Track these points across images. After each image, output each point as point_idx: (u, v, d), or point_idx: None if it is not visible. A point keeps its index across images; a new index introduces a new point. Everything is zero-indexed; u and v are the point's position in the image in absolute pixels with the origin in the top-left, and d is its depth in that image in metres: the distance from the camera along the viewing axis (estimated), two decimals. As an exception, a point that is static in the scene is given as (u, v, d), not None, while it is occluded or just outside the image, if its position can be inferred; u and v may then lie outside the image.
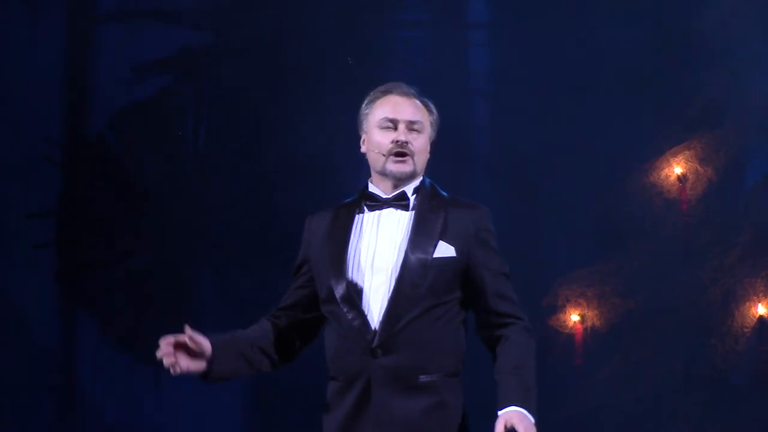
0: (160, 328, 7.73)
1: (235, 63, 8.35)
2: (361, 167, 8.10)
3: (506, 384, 4.60)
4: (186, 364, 4.53)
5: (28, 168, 8.20)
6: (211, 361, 4.53)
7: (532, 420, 4.53)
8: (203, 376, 4.57)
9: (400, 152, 4.72)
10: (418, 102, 4.78)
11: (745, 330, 7.90)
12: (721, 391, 7.86)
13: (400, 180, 4.78)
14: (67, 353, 8.44)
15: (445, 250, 4.72)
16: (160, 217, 8.35)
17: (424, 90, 5.53)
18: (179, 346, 4.53)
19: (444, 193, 4.83)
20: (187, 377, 7.36)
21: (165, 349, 4.49)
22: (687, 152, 8.13)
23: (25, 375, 8.38)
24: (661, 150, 8.10)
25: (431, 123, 4.81)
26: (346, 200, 4.89)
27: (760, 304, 7.92)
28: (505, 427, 4.54)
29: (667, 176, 8.18)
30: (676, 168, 8.17)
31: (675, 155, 8.14)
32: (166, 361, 4.49)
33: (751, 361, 7.92)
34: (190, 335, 4.54)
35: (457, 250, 4.70)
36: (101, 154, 8.35)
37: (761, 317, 7.96)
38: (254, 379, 7.18)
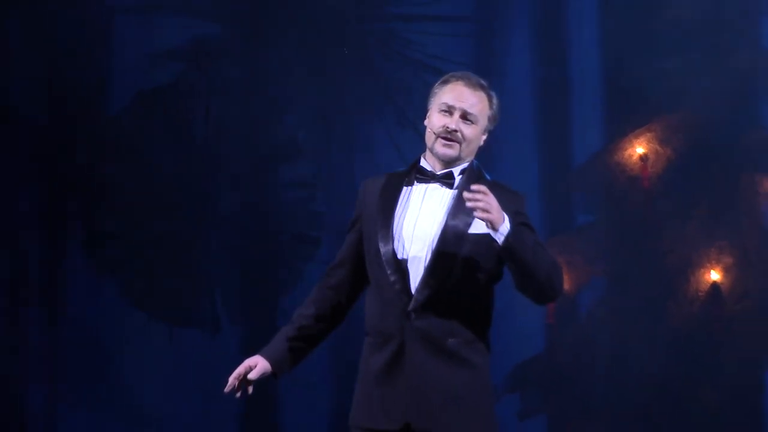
0: (172, 289, 8.33)
1: (239, 51, 8.60)
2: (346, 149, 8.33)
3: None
4: (250, 389, 5.06)
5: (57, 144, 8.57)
6: (274, 373, 5.03)
7: (508, 225, 4.87)
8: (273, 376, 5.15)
9: (448, 137, 5.05)
10: (482, 94, 5.08)
11: (700, 294, 8.34)
12: (676, 351, 8.27)
13: (445, 161, 5.18)
14: (91, 314, 8.61)
15: (481, 226, 4.96)
16: (172, 192, 8.54)
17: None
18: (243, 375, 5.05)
19: (488, 177, 5.10)
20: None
21: (231, 383, 5.02)
22: (648, 134, 8.47)
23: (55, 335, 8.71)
24: (624, 132, 8.46)
25: (489, 117, 5.09)
26: (399, 170, 5.19)
27: (713, 271, 8.35)
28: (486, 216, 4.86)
29: (630, 156, 8.48)
30: (639, 148, 8.48)
31: (637, 137, 8.48)
32: (230, 389, 5.03)
33: (706, 322, 8.34)
34: (251, 378, 5.01)
35: None
36: (119, 134, 8.56)
37: (714, 282, 8.37)
38: (263, 331, 7.65)
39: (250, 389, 5.03)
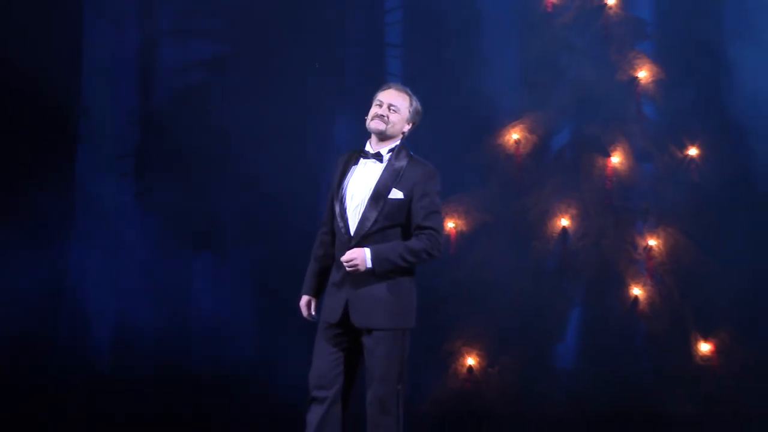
0: (204, 227, 9.02)
1: (246, 61, 9.34)
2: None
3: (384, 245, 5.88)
4: (314, 314, 6.12)
5: (121, 126, 9.34)
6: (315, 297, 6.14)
7: (369, 263, 5.82)
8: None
9: (378, 116, 5.93)
10: (405, 95, 5.98)
11: (554, 235, 9.26)
12: (539, 275, 9.24)
13: (380, 138, 5.96)
14: (143, 245, 9.25)
15: (396, 193, 5.88)
16: (203, 163, 9.31)
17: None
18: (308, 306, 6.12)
19: (412, 154, 5.95)
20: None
21: (306, 315, 6.13)
22: (521, 125, 9.38)
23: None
24: (503, 123, 9.38)
25: (411, 111, 5.99)
26: (357, 149, 6.04)
27: (563, 219, 9.26)
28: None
29: (508, 140, 9.40)
30: (514, 135, 9.38)
31: (514, 126, 9.39)
32: (308, 317, 6.13)
33: (559, 255, 9.26)
34: (311, 312, 6.14)
35: (404, 194, 5.89)
36: (160, 119, 9.32)
37: (564, 227, 9.26)
38: (258, 263, 9.22)
39: (315, 316, 6.15)
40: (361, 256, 5.69)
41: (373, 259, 5.70)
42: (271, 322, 9.10)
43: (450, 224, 9.20)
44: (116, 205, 9.33)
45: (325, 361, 5.93)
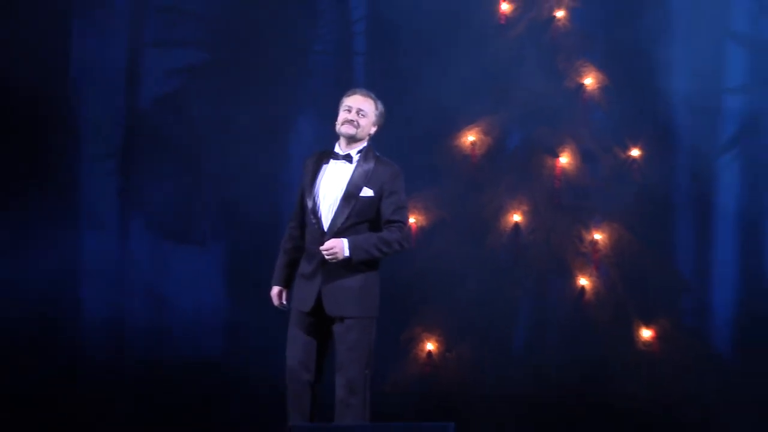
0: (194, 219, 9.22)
1: (222, 68, 9.60)
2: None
3: (360, 236, 6.08)
4: (285, 304, 6.33)
5: (106, 127, 9.45)
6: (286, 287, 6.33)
7: (346, 252, 6.03)
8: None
9: (349, 121, 6.20)
10: (370, 100, 6.25)
11: (507, 230, 9.43)
12: (494, 266, 9.39)
13: (349, 140, 6.19)
14: (122, 239, 9.43)
15: (367, 191, 6.14)
16: (191, 158, 9.55)
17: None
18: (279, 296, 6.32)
19: (378, 154, 6.22)
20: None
21: (277, 304, 6.35)
22: (476, 128, 9.53)
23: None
24: (460, 126, 9.54)
25: (377, 115, 6.29)
26: (325, 150, 6.30)
27: (515, 214, 9.44)
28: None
29: (464, 142, 9.52)
30: (470, 137, 9.53)
31: (470, 129, 9.55)
32: (279, 306, 6.33)
33: (511, 244, 9.40)
34: (282, 301, 6.35)
35: (374, 192, 6.14)
36: (148, 119, 9.52)
37: (516, 222, 9.45)
38: (231, 248, 9.50)
39: (286, 305, 6.43)
40: (339, 246, 5.95)
41: (350, 249, 5.97)
42: (247, 309, 9.22)
43: (411, 220, 9.31)
44: (102, 201, 9.60)
45: (300, 347, 6.21)
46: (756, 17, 9.55)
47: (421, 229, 9.38)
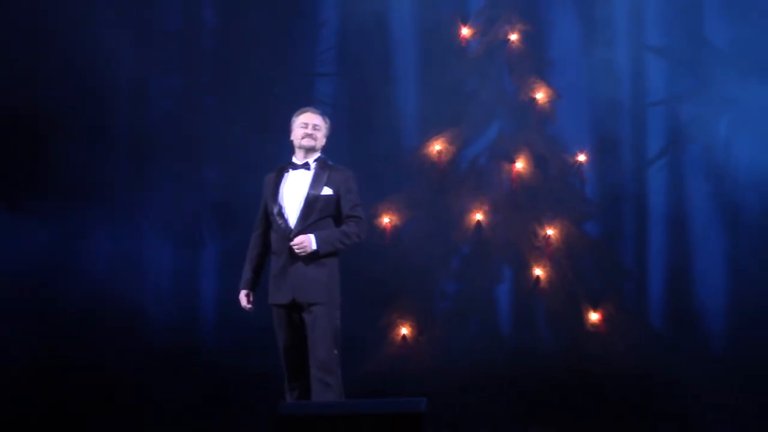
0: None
1: (213, 89, 10.17)
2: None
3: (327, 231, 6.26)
4: (252, 306, 6.49)
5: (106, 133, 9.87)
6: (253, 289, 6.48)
7: (314, 246, 6.27)
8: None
9: (309, 136, 6.58)
10: (321, 116, 6.67)
11: (471, 226, 9.96)
12: (459, 259, 9.99)
13: (307, 151, 6.56)
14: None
15: (327, 191, 6.48)
16: (199, 159, 10.03)
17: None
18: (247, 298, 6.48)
19: (330, 163, 6.59)
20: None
21: (245, 305, 6.49)
22: (442, 138, 10.11)
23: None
24: (427, 137, 10.12)
25: (327, 128, 6.69)
26: (282, 165, 6.59)
27: (478, 213, 9.98)
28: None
29: (432, 150, 10.12)
30: (436, 146, 10.08)
31: (437, 139, 10.09)
32: (247, 308, 6.47)
33: (474, 239, 9.93)
34: (248, 304, 6.52)
35: (334, 192, 6.46)
36: (159, 120, 9.93)
37: (478, 221, 9.99)
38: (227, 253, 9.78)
39: (252, 306, 6.69)
40: (308, 241, 6.34)
41: (318, 243, 6.35)
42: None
43: (386, 219, 9.90)
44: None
45: (291, 340, 6.56)
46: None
47: (395, 228, 9.93)
